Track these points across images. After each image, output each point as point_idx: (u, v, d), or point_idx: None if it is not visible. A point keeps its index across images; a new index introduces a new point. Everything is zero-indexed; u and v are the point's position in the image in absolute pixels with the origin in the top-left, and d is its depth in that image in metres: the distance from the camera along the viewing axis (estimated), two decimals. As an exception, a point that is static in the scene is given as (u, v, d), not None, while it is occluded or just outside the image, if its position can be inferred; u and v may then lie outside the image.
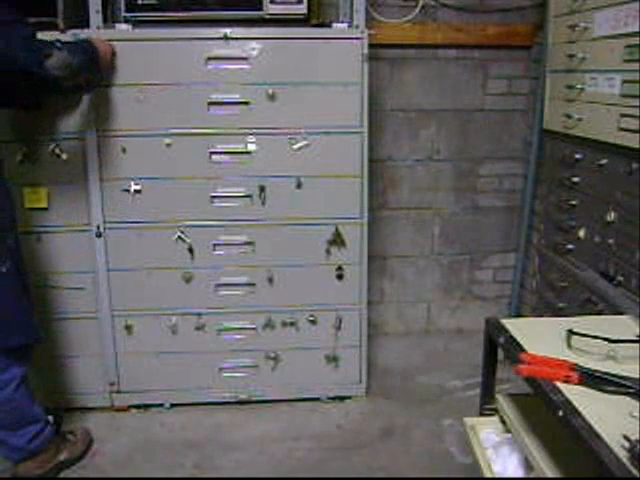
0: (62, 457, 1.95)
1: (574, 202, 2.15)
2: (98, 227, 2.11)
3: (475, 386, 2.27)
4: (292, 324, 2.26)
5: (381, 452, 2.08)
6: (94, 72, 1.89)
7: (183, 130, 2.07)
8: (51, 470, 1.92)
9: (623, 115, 1.80)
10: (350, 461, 2.03)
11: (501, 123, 2.77)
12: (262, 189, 2.14)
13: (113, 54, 1.97)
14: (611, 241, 1.91)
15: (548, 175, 2.42)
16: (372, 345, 2.61)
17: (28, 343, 1.81)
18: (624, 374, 1.15)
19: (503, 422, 1.47)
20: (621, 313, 1.67)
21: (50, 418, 1.95)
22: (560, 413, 1.07)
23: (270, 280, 2.22)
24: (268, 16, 2.11)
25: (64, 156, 2.05)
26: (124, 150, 2.07)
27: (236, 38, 2.03)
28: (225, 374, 2.29)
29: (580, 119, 2.07)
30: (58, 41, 1.69)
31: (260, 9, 2.09)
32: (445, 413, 2.25)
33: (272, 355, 2.29)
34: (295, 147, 2.11)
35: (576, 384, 1.14)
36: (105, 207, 2.11)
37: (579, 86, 2.07)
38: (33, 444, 1.86)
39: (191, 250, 2.17)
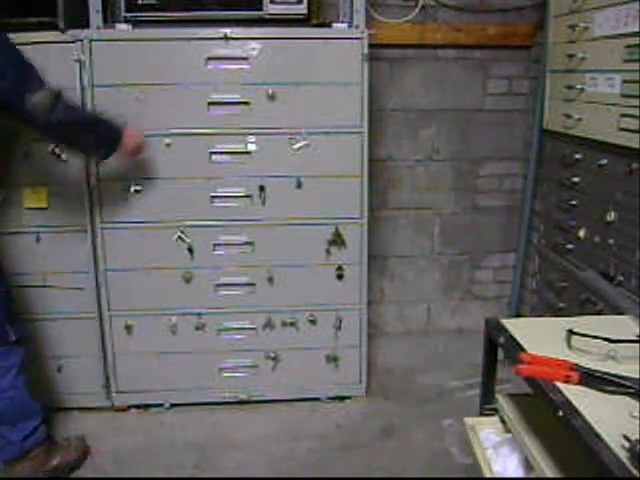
0: (55, 462, 1.91)
1: (574, 202, 2.15)
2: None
3: (475, 386, 2.27)
4: (292, 324, 2.26)
5: (381, 452, 2.08)
6: (97, 145, 1.87)
7: (183, 130, 2.07)
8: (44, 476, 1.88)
9: (623, 115, 1.80)
10: (350, 461, 2.03)
11: (501, 123, 2.77)
12: (262, 189, 2.14)
13: (138, 147, 1.96)
14: (611, 241, 1.91)
15: (548, 175, 2.42)
16: (372, 345, 2.61)
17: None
18: (624, 374, 1.14)
19: (503, 422, 1.47)
20: (621, 313, 1.67)
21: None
22: (560, 413, 1.07)
23: (270, 280, 2.22)
24: (268, 16, 2.11)
25: (64, 156, 2.05)
26: (124, 150, 2.07)
27: (236, 38, 2.03)
28: (225, 374, 2.29)
29: (580, 119, 2.07)
30: (58, 89, 1.68)
31: (260, 9, 2.09)
32: (445, 413, 2.25)
33: (272, 355, 2.29)
34: (295, 147, 2.11)
35: (576, 384, 1.14)
36: (105, 207, 2.11)
37: (579, 86, 2.07)
38: (27, 442, 1.83)
39: (191, 250, 2.17)
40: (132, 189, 2.10)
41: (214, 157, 2.11)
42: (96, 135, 1.84)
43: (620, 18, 1.81)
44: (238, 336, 2.27)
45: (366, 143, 2.14)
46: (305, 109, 2.09)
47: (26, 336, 1.87)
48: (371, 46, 2.09)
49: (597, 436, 0.98)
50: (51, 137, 1.84)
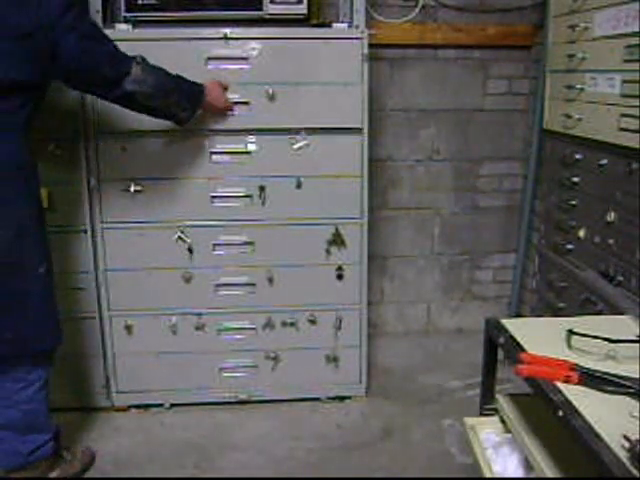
0: (54, 475, 1.88)
1: (574, 202, 2.15)
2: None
3: (475, 386, 2.27)
4: (292, 324, 2.26)
5: (381, 452, 2.08)
6: (187, 106, 1.88)
7: (183, 130, 2.07)
8: None
9: (623, 115, 1.80)
10: (350, 461, 2.03)
11: (501, 123, 2.78)
12: (262, 189, 2.14)
13: (226, 107, 2.03)
14: (611, 241, 1.91)
15: (548, 175, 2.42)
16: (372, 345, 2.61)
17: (58, 345, 1.81)
18: (624, 374, 1.15)
19: (503, 422, 1.47)
20: (621, 313, 1.67)
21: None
22: (560, 413, 1.07)
23: (270, 280, 2.22)
24: (268, 16, 2.11)
25: (64, 156, 2.05)
26: (124, 150, 2.07)
27: (236, 38, 2.03)
28: (225, 374, 2.29)
29: (580, 119, 2.07)
30: (141, 57, 1.74)
31: (260, 9, 2.10)
32: (445, 413, 2.25)
33: (272, 355, 2.29)
34: (295, 147, 2.11)
35: (576, 384, 1.14)
36: (105, 207, 2.11)
37: (579, 86, 2.07)
38: (32, 456, 1.80)
39: (191, 250, 2.17)
40: (132, 189, 2.10)
41: (214, 157, 2.11)
42: (180, 94, 1.84)
43: (620, 18, 1.81)
44: (238, 336, 2.27)
45: (366, 143, 2.14)
46: (305, 109, 2.09)
47: (58, 348, 1.83)
48: (371, 46, 2.09)
49: (597, 436, 0.98)
50: (143, 107, 1.81)
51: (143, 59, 1.74)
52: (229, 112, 2.05)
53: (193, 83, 1.89)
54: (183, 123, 1.94)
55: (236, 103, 2.06)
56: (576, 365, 1.18)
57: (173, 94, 1.81)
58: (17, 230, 1.61)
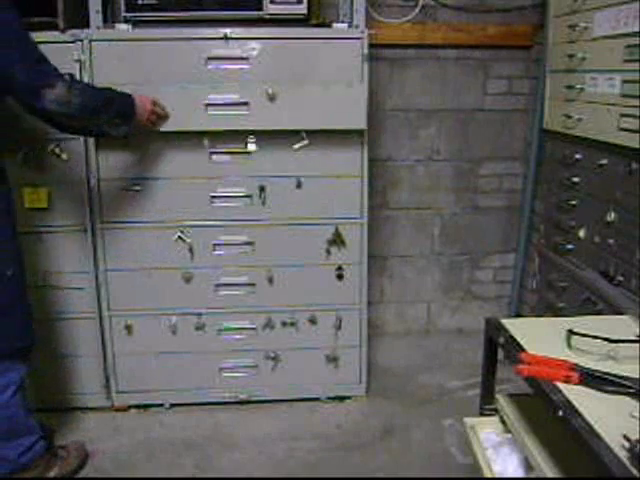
0: (53, 474, 1.88)
1: (574, 202, 2.15)
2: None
3: (475, 386, 2.26)
4: (292, 324, 2.26)
5: (381, 452, 2.08)
6: (118, 122, 1.81)
7: (183, 130, 2.06)
8: None
9: (623, 115, 1.80)
10: (350, 461, 2.03)
11: (501, 123, 2.77)
12: (262, 189, 2.14)
13: (154, 114, 1.92)
14: (611, 241, 1.91)
15: (548, 175, 2.42)
16: (372, 345, 2.61)
17: (28, 346, 1.78)
18: (624, 374, 1.15)
19: (503, 422, 1.47)
20: (621, 313, 1.67)
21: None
22: (560, 413, 1.07)
23: (270, 280, 2.22)
24: (268, 16, 2.11)
25: (64, 156, 2.05)
26: (124, 150, 2.07)
27: (236, 38, 2.03)
28: (225, 374, 2.29)
29: (580, 119, 2.07)
30: (69, 75, 1.65)
31: (260, 9, 2.09)
32: (445, 413, 2.25)
33: (272, 355, 2.29)
34: (295, 147, 2.11)
35: (576, 384, 1.14)
36: (105, 207, 2.11)
37: (579, 86, 2.07)
38: (23, 458, 1.79)
39: (191, 250, 2.17)
40: (132, 189, 2.10)
41: (214, 157, 2.11)
42: (111, 114, 1.77)
43: (620, 18, 1.82)
44: (238, 336, 2.27)
45: (366, 143, 2.14)
46: (305, 109, 2.09)
47: (32, 350, 1.81)
48: (371, 46, 2.08)
49: (597, 436, 0.98)
50: (70, 129, 1.81)
51: (72, 78, 1.66)
52: (159, 121, 1.97)
53: (122, 97, 1.81)
54: (117, 138, 1.91)
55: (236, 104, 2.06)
56: (576, 365, 1.18)
57: (103, 113, 1.73)
58: None
